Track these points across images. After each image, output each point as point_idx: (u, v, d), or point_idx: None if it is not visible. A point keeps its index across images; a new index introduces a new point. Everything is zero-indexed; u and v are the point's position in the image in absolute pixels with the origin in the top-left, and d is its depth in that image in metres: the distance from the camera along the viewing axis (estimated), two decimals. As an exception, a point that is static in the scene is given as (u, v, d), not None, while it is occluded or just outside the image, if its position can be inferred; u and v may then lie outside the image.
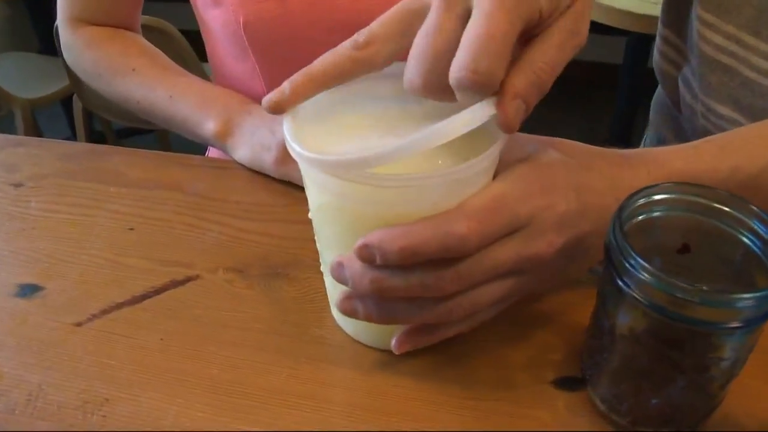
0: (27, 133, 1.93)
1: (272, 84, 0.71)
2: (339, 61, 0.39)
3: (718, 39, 0.54)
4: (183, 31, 1.54)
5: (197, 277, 0.51)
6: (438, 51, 0.34)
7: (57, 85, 1.99)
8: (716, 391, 0.38)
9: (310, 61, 0.40)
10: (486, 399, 0.42)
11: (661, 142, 0.71)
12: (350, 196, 0.37)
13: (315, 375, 0.44)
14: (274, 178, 0.61)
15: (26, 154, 0.65)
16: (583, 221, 0.39)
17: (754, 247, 0.37)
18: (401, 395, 0.43)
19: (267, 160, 0.60)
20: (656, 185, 0.38)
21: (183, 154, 0.65)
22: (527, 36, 0.35)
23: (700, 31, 0.55)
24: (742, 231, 0.37)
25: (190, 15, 0.77)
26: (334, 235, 0.41)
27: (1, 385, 0.44)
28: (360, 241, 0.35)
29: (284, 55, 0.68)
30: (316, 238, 0.44)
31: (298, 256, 0.53)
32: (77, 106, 1.85)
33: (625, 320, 0.37)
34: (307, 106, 0.41)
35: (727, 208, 0.38)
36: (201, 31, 0.77)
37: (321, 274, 0.47)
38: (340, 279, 0.38)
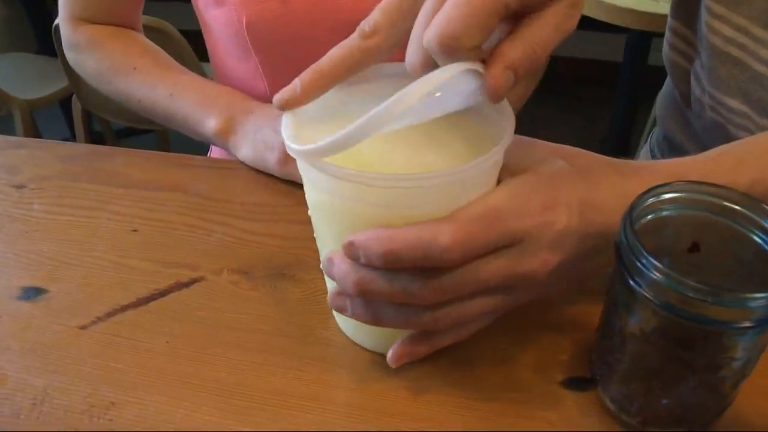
0: (26, 134, 1.92)
1: (275, 84, 0.71)
2: (348, 53, 0.38)
3: (728, 31, 0.54)
4: (183, 31, 1.54)
5: (202, 278, 0.51)
6: None
7: (56, 85, 1.99)
8: (727, 391, 0.38)
9: (312, 61, 0.39)
10: (493, 400, 0.42)
11: (668, 139, 0.70)
12: (341, 194, 0.37)
13: (320, 377, 0.44)
14: (277, 179, 0.60)
15: (28, 156, 0.65)
16: (584, 240, 0.38)
17: (766, 246, 0.36)
18: (407, 397, 0.42)
19: (270, 159, 0.60)
20: (667, 184, 0.37)
21: (185, 155, 0.65)
22: (524, 13, 0.34)
23: (709, 23, 0.55)
24: (754, 230, 0.37)
25: (190, 15, 0.77)
26: (329, 234, 0.41)
27: (5, 389, 0.43)
28: (348, 239, 0.35)
29: (287, 55, 0.68)
30: (315, 236, 0.44)
31: (303, 257, 0.52)
32: (76, 106, 1.84)
33: (635, 320, 0.36)
34: (309, 106, 0.40)
35: (738, 207, 0.37)
36: (202, 32, 0.77)
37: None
38: (329, 275, 0.38)
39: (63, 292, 0.50)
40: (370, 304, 0.38)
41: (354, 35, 0.39)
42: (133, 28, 0.78)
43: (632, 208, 0.36)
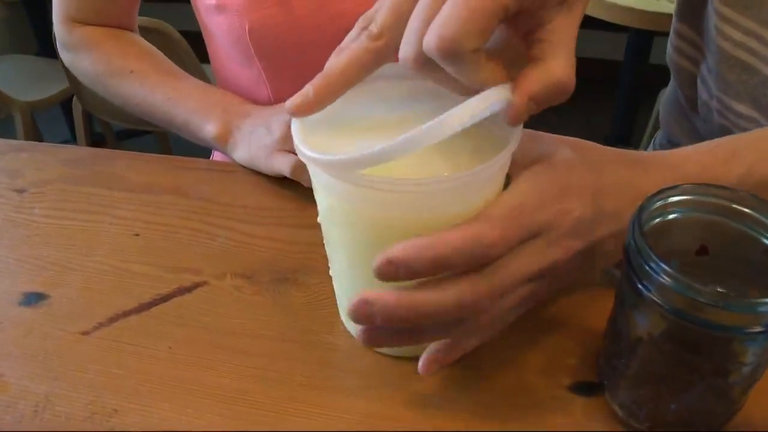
0: (27, 136, 1.92)
1: (278, 90, 0.71)
2: (357, 57, 0.38)
3: (737, 35, 0.53)
4: (183, 32, 1.54)
5: (205, 283, 0.50)
6: (427, 25, 0.33)
7: (56, 87, 1.98)
8: (737, 396, 0.37)
9: (316, 67, 0.39)
10: (501, 405, 0.42)
11: (672, 143, 0.70)
12: (356, 200, 0.37)
13: (326, 383, 0.43)
14: (280, 182, 0.60)
15: (29, 160, 0.65)
16: (599, 226, 0.39)
17: (775, 249, 0.36)
18: (413, 402, 0.42)
19: (261, 156, 0.60)
20: (675, 187, 0.37)
21: (188, 158, 0.65)
22: (528, 15, 0.34)
23: (719, 26, 0.54)
24: (763, 232, 0.37)
25: (190, 16, 0.76)
26: (341, 239, 0.41)
27: (7, 396, 0.43)
28: (381, 258, 0.33)
29: (290, 61, 0.68)
30: (324, 241, 0.43)
31: (307, 261, 0.52)
32: (77, 108, 1.84)
33: (644, 324, 0.36)
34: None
35: (747, 210, 0.37)
36: (204, 37, 0.77)
37: (330, 278, 0.46)
38: (369, 317, 0.35)
39: (64, 298, 0.50)
40: (413, 328, 0.37)
41: (363, 38, 0.38)
42: (130, 29, 0.77)
43: (640, 210, 0.36)
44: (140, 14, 0.80)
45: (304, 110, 0.38)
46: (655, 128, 1.75)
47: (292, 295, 0.49)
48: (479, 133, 0.39)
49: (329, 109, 0.40)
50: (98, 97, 0.77)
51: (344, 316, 0.46)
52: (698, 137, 0.65)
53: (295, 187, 0.59)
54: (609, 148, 0.42)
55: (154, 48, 0.76)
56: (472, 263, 0.35)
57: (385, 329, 0.37)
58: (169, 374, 0.44)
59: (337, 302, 0.46)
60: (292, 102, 0.38)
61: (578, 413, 0.41)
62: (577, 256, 0.38)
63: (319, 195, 0.40)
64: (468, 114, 0.33)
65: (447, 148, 0.39)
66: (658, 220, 0.38)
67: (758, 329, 0.32)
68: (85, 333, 0.47)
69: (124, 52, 0.73)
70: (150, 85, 0.69)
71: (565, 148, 0.39)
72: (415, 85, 0.38)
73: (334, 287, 0.46)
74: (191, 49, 1.56)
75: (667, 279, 0.33)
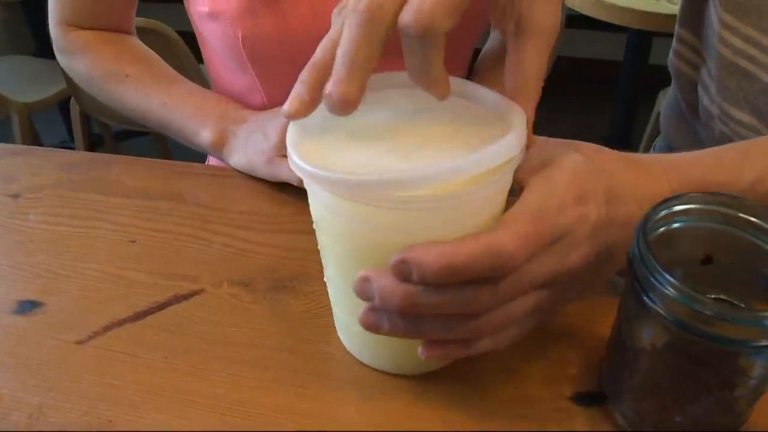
0: (24, 138, 1.91)
1: (272, 96, 0.70)
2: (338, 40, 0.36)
3: (737, 42, 0.53)
4: (180, 33, 1.53)
5: (201, 291, 0.50)
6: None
7: (54, 88, 1.98)
8: (743, 409, 0.37)
9: None
10: (500, 416, 0.41)
11: (672, 150, 0.69)
12: (351, 217, 0.36)
13: (324, 394, 0.42)
14: (278, 187, 0.59)
15: (24, 164, 0.64)
16: (611, 231, 0.38)
17: (783, 259, 0.35)
18: (414, 414, 0.41)
19: (258, 162, 0.59)
20: (680, 196, 0.36)
21: (185, 162, 0.64)
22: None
23: (720, 33, 0.54)
24: (769, 241, 0.36)
25: (188, 17, 0.76)
26: (332, 245, 0.40)
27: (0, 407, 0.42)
28: (397, 257, 0.33)
29: (284, 69, 0.67)
30: (319, 247, 0.43)
31: (305, 268, 0.51)
32: (75, 109, 1.83)
33: (648, 336, 0.35)
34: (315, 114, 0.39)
35: (753, 218, 0.36)
36: (198, 42, 0.76)
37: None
38: (364, 295, 0.35)
39: (59, 306, 0.49)
40: (411, 318, 0.36)
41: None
42: (126, 32, 0.76)
43: (645, 220, 0.35)
44: (138, 15, 0.79)
45: (300, 113, 0.37)
46: (655, 129, 1.74)
47: (290, 303, 0.48)
48: (469, 131, 0.38)
49: (326, 116, 0.39)
50: (96, 99, 0.76)
51: (338, 324, 0.45)
52: (699, 143, 0.64)
53: (293, 192, 0.58)
54: (613, 151, 0.42)
55: (151, 51, 0.75)
56: (489, 274, 0.33)
57: (387, 314, 0.36)
58: (164, 384, 0.43)
59: (332, 309, 0.45)
60: (288, 107, 0.36)
61: (580, 424, 0.40)
62: (591, 262, 0.38)
63: (311, 203, 0.39)
64: (495, 162, 0.33)
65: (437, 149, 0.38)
66: (663, 229, 0.37)
67: (765, 343, 0.32)
68: (80, 342, 0.46)
69: (120, 57, 0.72)
70: (145, 90, 0.69)
71: (572, 151, 0.38)
72: (414, 92, 0.37)
73: (329, 294, 0.45)
74: (189, 50, 1.56)
75: (673, 291, 0.32)
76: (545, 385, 0.43)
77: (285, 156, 0.57)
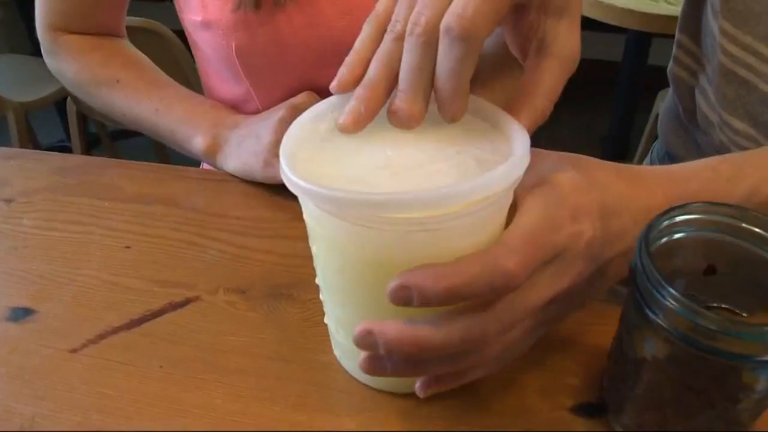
0: (21, 138, 1.90)
1: (268, 106, 0.69)
2: (394, 58, 0.36)
3: (735, 50, 0.52)
4: (177, 32, 1.52)
5: (197, 298, 0.49)
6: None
7: (50, 87, 1.96)
8: (746, 422, 0.36)
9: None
10: (500, 427, 0.40)
11: (670, 155, 0.69)
12: (328, 226, 0.35)
13: (323, 404, 0.42)
14: (275, 192, 0.59)
15: (18, 168, 0.63)
16: (607, 246, 0.37)
17: (786, 270, 0.35)
18: (412, 426, 0.41)
19: (255, 165, 0.59)
20: (682, 206, 0.36)
21: (181, 167, 0.64)
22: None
23: (720, 41, 0.53)
24: (773, 252, 0.35)
25: (182, 20, 0.75)
26: (317, 253, 0.39)
27: (-8, 417, 0.42)
28: (395, 283, 0.32)
29: (278, 78, 0.66)
30: (313, 254, 0.42)
31: (303, 275, 0.50)
32: (71, 109, 1.82)
33: (650, 348, 0.35)
34: (306, 123, 0.38)
35: (756, 228, 0.36)
36: (192, 50, 0.75)
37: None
38: (368, 348, 0.34)
39: (52, 313, 0.48)
40: (417, 360, 0.36)
41: (387, 39, 0.36)
42: (117, 35, 0.75)
43: (648, 231, 0.34)
44: (134, 14, 0.78)
45: (357, 127, 0.37)
46: (653, 130, 1.74)
47: (287, 311, 0.48)
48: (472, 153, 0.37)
49: (317, 126, 0.39)
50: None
51: (329, 331, 0.45)
52: (697, 150, 0.63)
53: (290, 197, 0.56)
54: (607, 162, 0.41)
55: (142, 55, 0.74)
56: (490, 295, 0.33)
57: (388, 358, 0.35)
58: (159, 394, 0.43)
59: (326, 319, 0.45)
60: (344, 121, 0.36)
61: (580, 436, 0.40)
62: (588, 279, 0.37)
63: (303, 211, 0.39)
64: (474, 193, 0.32)
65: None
66: (665, 239, 0.36)
67: (769, 357, 0.31)
68: (74, 350, 0.46)
69: (109, 62, 0.71)
70: (136, 96, 0.68)
71: (566, 166, 0.38)
72: None
73: (322, 300, 0.44)
74: (186, 49, 1.55)
75: (675, 304, 0.32)
76: (544, 396, 0.42)
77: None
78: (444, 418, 0.41)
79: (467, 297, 0.32)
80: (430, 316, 0.34)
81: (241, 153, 0.60)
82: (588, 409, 0.41)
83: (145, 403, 0.42)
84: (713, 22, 0.54)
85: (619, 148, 2.28)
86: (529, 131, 0.36)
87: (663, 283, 0.32)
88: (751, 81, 0.53)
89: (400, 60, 0.36)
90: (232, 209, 0.58)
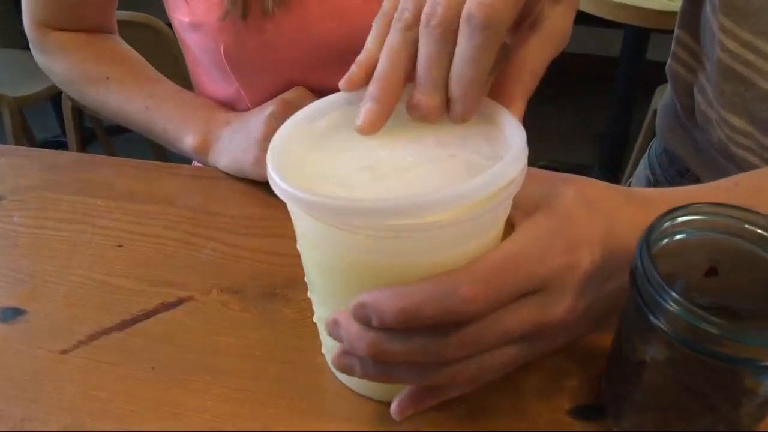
0: (15, 132, 1.89)
1: (258, 104, 0.68)
2: (406, 51, 0.35)
3: (734, 46, 0.51)
4: (170, 25, 1.51)
5: (190, 298, 0.48)
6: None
7: (46, 82, 1.95)
8: (748, 426, 0.36)
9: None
10: (496, 429, 0.40)
11: (668, 152, 0.68)
12: (333, 241, 0.34)
13: (314, 406, 0.41)
14: (269, 190, 0.58)
15: (9, 165, 0.62)
16: (608, 279, 0.36)
17: (790, 272, 0.34)
18: (408, 427, 0.40)
19: (245, 162, 0.58)
20: (685, 206, 0.35)
21: (174, 164, 0.63)
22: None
23: (719, 38, 0.52)
24: (776, 254, 0.35)
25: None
26: (312, 262, 0.38)
27: (-20, 420, 0.41)
28: (356, 300, 0.32)
29: (268, 79, 0.65)
30: (302, 258, 0.41)
31: (296, 275, 0.50)
32: (66, 103, 1.81)
33: (651, 351, 0.34)
34: (301, 121, 0.38)
35: (758, 229, 0.35)
36: (182, 50, 0.74)
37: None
38: (335, 337, 0.35)
39: (43, 314, 0.48)
40: (382, 364, 0.35)
41: (395, 30, 0.35)
42: (107, 31, 0.74)
43: (649, 231, 0.34)
44: (126, 8, 0.76)
45: (375, 126, 0.35)
46: (651, 125, 1.73)
47: (281, 311, 0.47)
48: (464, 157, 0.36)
49: (306, 126, 0.38)
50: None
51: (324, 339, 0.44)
52: (695, 147, 0.63)
53: (285, 196, 0.57)
54: (612, 185, 0.39)
55: (132, 51, 0.73)
56: (446, 319, 0.32)
57: (357, 358, 0.35)
58: (151, 396, 0.42)
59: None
60: (363, 122, 0.35)
61: (579, 439, 0.39)
62: (584, 315, 0.36)
63: (294, 219, 0.38)
64: (503, 182, 0.31)
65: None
66: (666, 240, 0.36)
67: (772, 361, 0.31)
68: (64, 351, 0.45)
69: (99, 59, 0.70)
70: (127, 93, 0.67)
71: (567, 188, 0.36)
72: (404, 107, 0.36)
73: (313, 303, 0.44)
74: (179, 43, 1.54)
75: (677, 308, 0.31)
76: (542, 399, 0.41)
77: None
78: (441, 421, 0.40)
79: (423, 321, 0.31)
80: None
81: (232, 150, 0.60)
82: (586, 412, 0.41)
83: (136, 404, 0.42)
84: (712, 18, 0.54)
85: (617, 144, 2.27)
86: (517, 106, 0.36)
87: (664, 285, 0.31)
88: (749, 77, 0.52)
89: (409, 50, 0.35)
90: (225, 207, 0.57)
